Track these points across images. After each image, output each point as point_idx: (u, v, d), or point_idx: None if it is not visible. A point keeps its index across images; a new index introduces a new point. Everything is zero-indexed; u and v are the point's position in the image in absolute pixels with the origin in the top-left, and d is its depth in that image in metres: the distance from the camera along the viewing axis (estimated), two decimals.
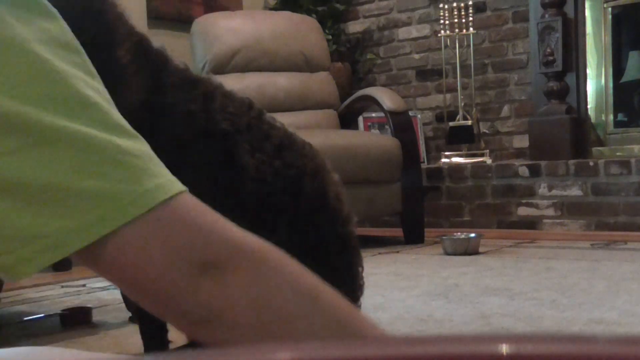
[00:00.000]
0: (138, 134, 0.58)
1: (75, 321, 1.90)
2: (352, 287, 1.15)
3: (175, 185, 0.57)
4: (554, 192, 3.57)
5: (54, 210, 0.53)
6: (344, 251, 1.12)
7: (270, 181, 0.98)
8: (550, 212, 3.58)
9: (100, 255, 0.56)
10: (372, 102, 3.65)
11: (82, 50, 0.58)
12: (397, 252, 3.12)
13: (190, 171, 0.93)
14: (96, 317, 1.96)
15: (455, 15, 4.11)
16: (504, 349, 0.21)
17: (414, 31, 4.52)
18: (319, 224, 1.06)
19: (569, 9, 3.75)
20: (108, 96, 0.58)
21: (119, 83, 0.86)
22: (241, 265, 0.59)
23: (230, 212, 0.94)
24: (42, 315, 2.01)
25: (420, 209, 3.46)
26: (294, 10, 4.19)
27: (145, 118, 0.91)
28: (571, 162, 3.54)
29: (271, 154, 0.99)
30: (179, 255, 0.57)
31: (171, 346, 1.51)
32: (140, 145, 0.57)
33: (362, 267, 1.15)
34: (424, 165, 3.99)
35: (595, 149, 3.76)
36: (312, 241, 1.06)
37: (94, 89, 0.56)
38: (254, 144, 0.97)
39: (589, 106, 3.80)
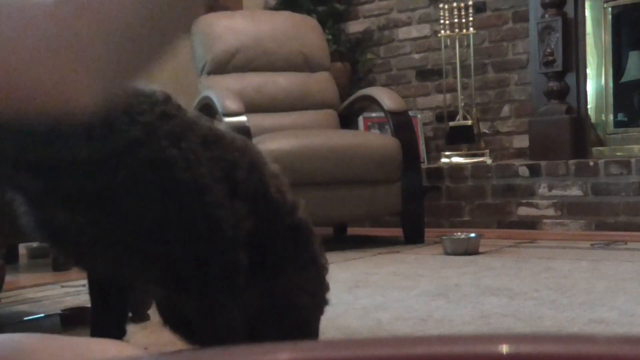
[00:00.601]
0: None
1: (75, 321, 1.90)
2: (316, 269, 1.15)
3: None
4: (554, 192, 3.57)
5: None
6: (298, 238, 1.12)
7: (202, 173, 0.96)
8: (550, 212, 3.58)
9: None
10: (372, 102, 3.65)
11: None
12: (397, 252, 3.12)
13: (130, 193, 0.92)
14: None
15: (455, 15, 4.11)
16: (504, 349, 0.21)
17: (414, 31, 4.52)
18: (264, 217, 1.06)
19: (569, 9, 3.75)
20: None
21: None
22: None
23: (170, 212, 0.93)
24: (42, 315, 2.01)
25: (420, 209, 3.46)
26: (294, 10, 4.19)
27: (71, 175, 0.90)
28: (571, 162, 3.54)
29: (197, 145, 0.96)
30: None
31: (169, 347, 1.52)
32: None
33: (320, 247, 1.16)
34: (424, 165, 3.99)
35: (595, 149, 3.76)
36: (262, 234, 1.05)
37: None
38: (177, 134, 0.94)
39: (589, 106, 3.80)
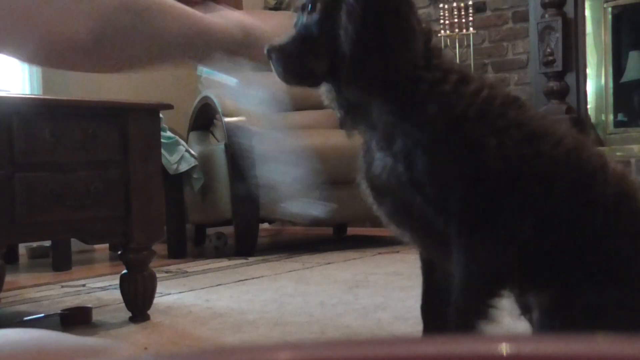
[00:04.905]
0: None
1: (75, 321, 1.90)
2: None
3: None
4: None
5: None
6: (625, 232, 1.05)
7: (514, 165, 1.00)
8: None
9: None
10: None
11: None
12: (397, 252, 3.12)
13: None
14: (96, 317, 1.96)
15: (455, 15, 4.11)
16: (504, 349, 0.21)
17: None
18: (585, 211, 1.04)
19: (569, 9, 3.75)
20: None
21: None
22: None
23: (476, 189, 0.99)
24: (42, 315, 2.01)
25: None
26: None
27: None
28: None
29: (518, 140, 1.01)
30: None
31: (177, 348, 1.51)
32: None
33: None
34: None
35: None
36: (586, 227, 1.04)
37: None
38: (499, 128, 1.01)
39: (589, 106, 3.80)
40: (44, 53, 0.74)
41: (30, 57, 0.78)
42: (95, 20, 0.73)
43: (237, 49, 0.89)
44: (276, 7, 4.50)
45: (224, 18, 0.89)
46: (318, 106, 4.48)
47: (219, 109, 3.31)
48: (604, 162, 1.05)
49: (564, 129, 1.08)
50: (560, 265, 1.02)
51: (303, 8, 1.07)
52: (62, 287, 2.56)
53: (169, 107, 2.09)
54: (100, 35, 0.74)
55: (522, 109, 1.05)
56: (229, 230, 3.55)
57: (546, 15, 3.76)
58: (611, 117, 3.84)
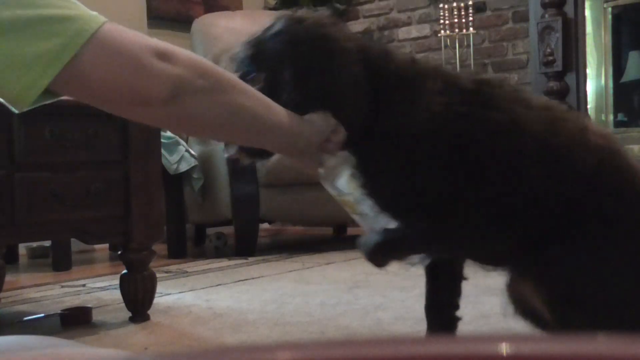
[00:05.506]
0: None
1: (75, 321, 1.90)
2: None
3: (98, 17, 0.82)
4: None
5: (37, 39, 0.75)
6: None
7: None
8: None
9: (77, 72, 0.78)
10: None
11: None
12: None
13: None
14: (96, 317, 1.96)
15: (455, 15, 4.11)
16: (504, 349, 0.21)
17: (414, 31, 4.52)
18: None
19: (569, 9, 3.75)
20: None
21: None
22: (181, 52, 0.87)
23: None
24: (42, 315, 2.01)
25: None
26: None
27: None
28: None
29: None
30: (134, 54, 0.81)
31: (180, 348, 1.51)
32: None
33: None
34: None
35: None
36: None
37: None
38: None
39: (589, 106, 3.80)
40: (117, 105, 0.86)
41: (99, 105, 0.89)
42: (174, 80, 0.83)
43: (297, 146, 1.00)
44: (276, 7, 4.50)
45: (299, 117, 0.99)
46: None
47: None
48: (582, 129, 1.04)
49: (541, 102, 1.07)
50: (555, 238, 1.02)
51: (243, 77, 1.06)
52: (62, 287, 2.56)
53: None
54: (176, 94, 0.83)
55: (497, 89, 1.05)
56: (229, 230, 3.55)
57: (546, 15, 3.76)
58: (611, 117, 3.84)
